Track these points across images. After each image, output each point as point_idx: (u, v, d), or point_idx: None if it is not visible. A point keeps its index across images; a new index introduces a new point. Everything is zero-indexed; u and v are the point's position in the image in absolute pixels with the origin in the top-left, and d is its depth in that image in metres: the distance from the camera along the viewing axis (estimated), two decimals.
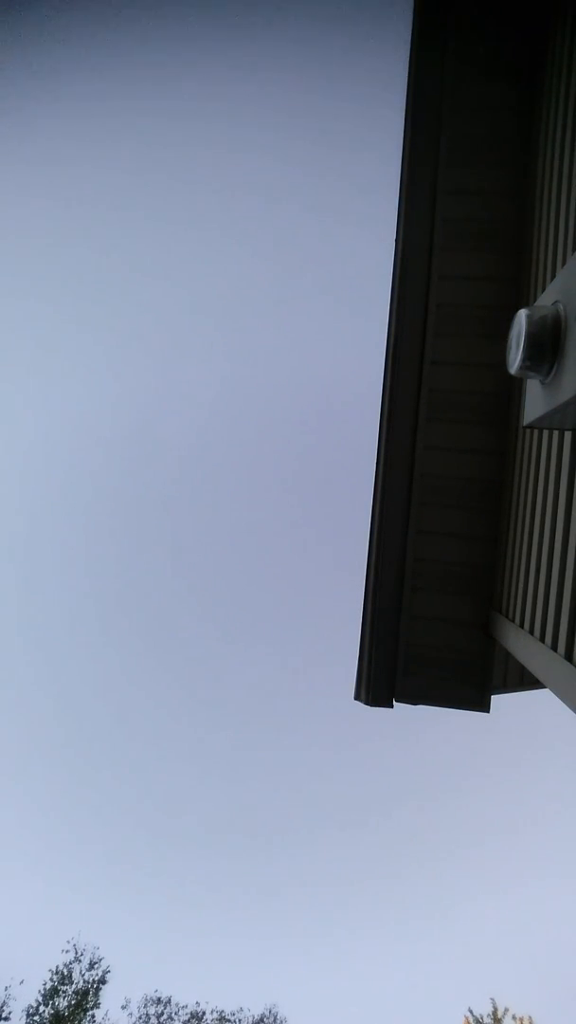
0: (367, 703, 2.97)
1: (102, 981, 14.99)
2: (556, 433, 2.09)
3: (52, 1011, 14.17)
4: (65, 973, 14.88)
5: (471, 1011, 14.05)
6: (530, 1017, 13.61)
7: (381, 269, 3.09)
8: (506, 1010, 13.82)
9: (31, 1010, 14.22)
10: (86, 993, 14.66)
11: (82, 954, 15.25)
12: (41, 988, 14.55)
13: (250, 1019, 15.66)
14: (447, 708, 2.96)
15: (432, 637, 2.95)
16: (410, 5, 2.77)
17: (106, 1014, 14.75)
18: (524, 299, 2.70)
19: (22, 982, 14.38)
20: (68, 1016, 14.09)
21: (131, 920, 18.64)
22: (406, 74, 2.83)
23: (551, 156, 2.44)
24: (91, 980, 14.92)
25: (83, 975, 14.97)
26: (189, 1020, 15.43)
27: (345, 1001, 17.07)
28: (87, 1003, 14.53)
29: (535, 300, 1.97)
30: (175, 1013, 15.41)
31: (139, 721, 27.86)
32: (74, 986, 14.74)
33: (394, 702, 2.97)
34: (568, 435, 1.95)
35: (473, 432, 2.90)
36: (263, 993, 17.24)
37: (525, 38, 2.72)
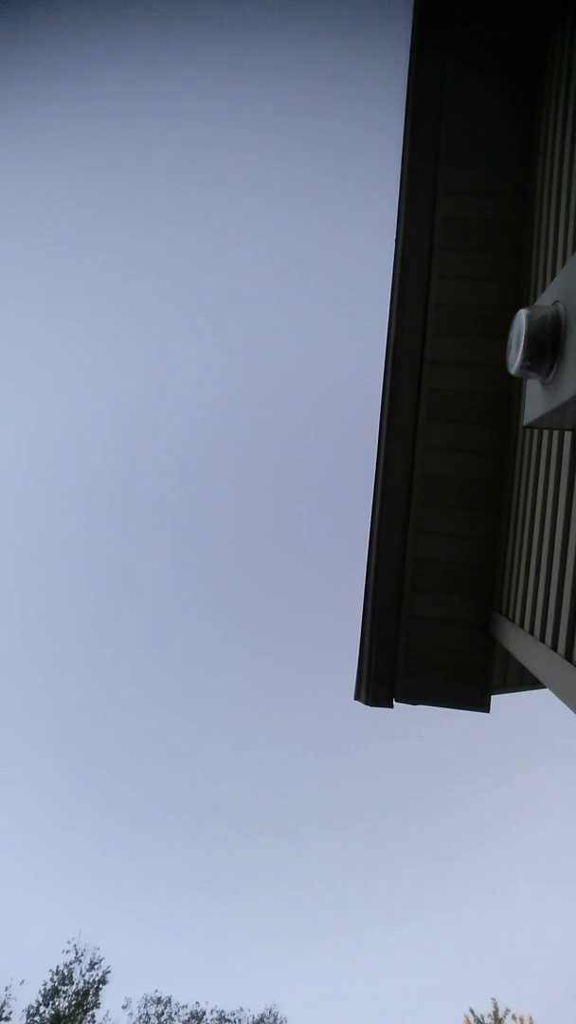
0: (367, 703, 2.97)
1: (102, 981, 14.99)
2: (556, 433, 2.09)
3: (52, 1011, 14.17)
4: (65, 973, 14.88)
5: (472, 1011, 14.05)
6: (530, 1017, 13.61)
7: (381, 269, 3.09)
8: (507, 1010, 13.82)
9: (31, 1010, 14.22)
10: (86, 993, 14.66)
11: (82, 954, 15.26)
12: (41, 988, 14.55)
13: (250, 1019, 15.66)
14: (447, 708, 2.96)
15: (432, 637, 2.95)
16: (410, 5, 2.76)
17: (106, 1014, 14.76)
18: (524, 299, 2.70)
19: (22, 982, 14.39)
20: (68, 1016, 14.09)
21: (131, 920, 18.66)
22: (406, 74, 2.82)
23: (551, 156, 2.44)
24: (91, 980, 14.92)
25: (83, 975, 14.98)
26: (189, 1020, 15.43)
27: (345, 1001, 17.09)
28: (87, 1003, 14.53)
29: (535, 300, 1.97)
30: (175, 1013, 15.41)
31: (139, 721, 27.87)
32: (74, 986, 14.74)
33: (394, 702, 2.97)
34: (568, 435, 1.95)
35: (473, 432, 2.90)
36: (263, 993, 17.27)
37: (525, 38, 2.72)
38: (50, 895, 19.03)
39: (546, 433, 2.22)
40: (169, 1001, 15.51)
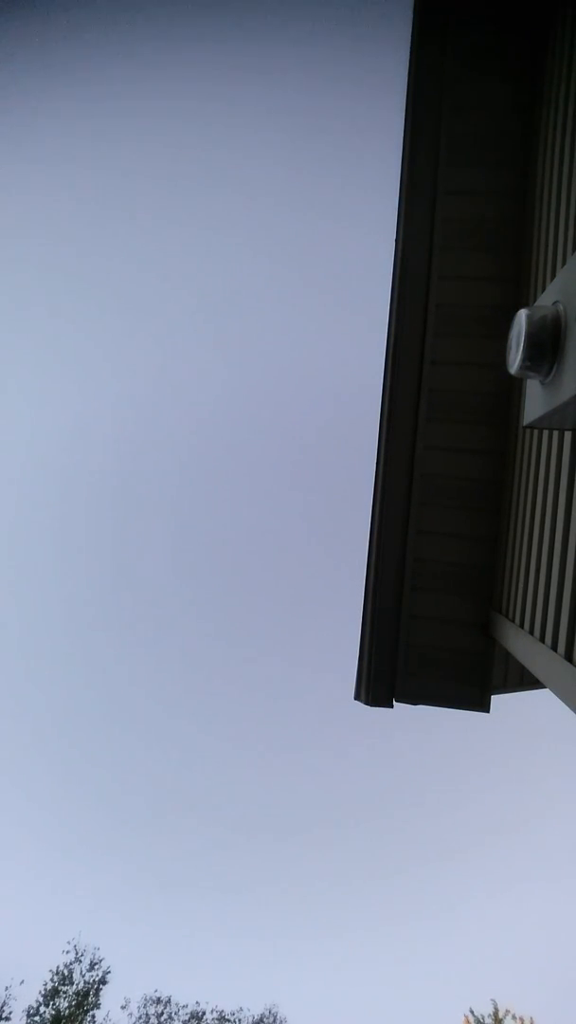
0: (367, 703, 2.97)
1: (102, 981, 15.00)
2: (556, 433, 2.09)
3: (52, 1011, 14.18)
4: (65, 974, 14.90)
5: (472, 1011, 14.05)
6: (531, 1018, 13.61)
7: (381, 269, 3.09)
8: (507, 1011, 13.82)
9: (31, 1010, 14.23)
10: (86, 994, 14.67)
11: (82, 955, 15.27)
12: (41, 988, 14.56)
13: (250, 1019, 15.66)
14: (447, 708, 2.96)
15: (432, 637, 2.95)
16: (410, 5, 2.77)
17: (107, 1014, 14.77)
18: (524, 299, 2.70)
19: (22, 982, 14.41)
20: (68, 1016, 14.10)
21: (131, 920, 18.65)
22: (406, 74, 2.83)
23: (551, 156, 2.44)
24: (91, 980, 14.93)
25: (83, 975, 14.99)
26: (189, 1020, 15.43)
27: (345, 1001, 17.09)
28: (87, 1003, 14.54)
29: (535, 300, 1.97)
30: (175, 1013, 15.41)
31: (139, 721, 27.88)
32: (74, 986, 14.75)
33: (394, 702, 2.97)
34: (568, 435, 1.95)
35: (473, 432, 2.90)
36: (263, 993, 17.24)
37: (525, 37, 2.72)
38: (50, 895, 19.04)
39: (546, 433, 2.22)
40: (169, 1001, 15.52)
